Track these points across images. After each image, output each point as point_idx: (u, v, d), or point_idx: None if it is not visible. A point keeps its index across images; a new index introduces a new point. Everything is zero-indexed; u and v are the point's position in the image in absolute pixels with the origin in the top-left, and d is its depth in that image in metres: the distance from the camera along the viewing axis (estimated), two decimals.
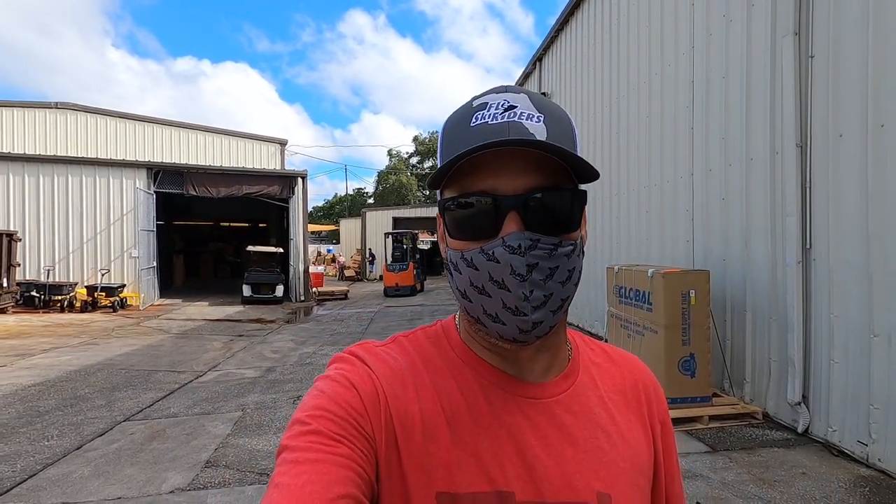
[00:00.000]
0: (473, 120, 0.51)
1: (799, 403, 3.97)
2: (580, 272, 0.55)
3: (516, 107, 0.51)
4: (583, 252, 0.56)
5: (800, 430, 3.97)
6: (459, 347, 0.60)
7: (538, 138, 0.49)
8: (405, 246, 18.16)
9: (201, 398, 5.63)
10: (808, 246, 3.98)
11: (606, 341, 5.97)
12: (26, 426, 4.70)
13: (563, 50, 10.27)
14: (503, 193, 0.50)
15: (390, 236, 19.18)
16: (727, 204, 4.99)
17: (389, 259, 17.89)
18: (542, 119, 0.51)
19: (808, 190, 3.97)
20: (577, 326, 9.14)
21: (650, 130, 6.58)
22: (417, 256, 18.62)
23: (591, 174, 0.53)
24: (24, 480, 3.61)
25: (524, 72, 12.88)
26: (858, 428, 3.54)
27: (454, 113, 0.55)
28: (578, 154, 0.51)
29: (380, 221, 25.57)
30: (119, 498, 3.37)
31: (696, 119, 5.52)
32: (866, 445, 3.47)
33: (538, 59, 11.69)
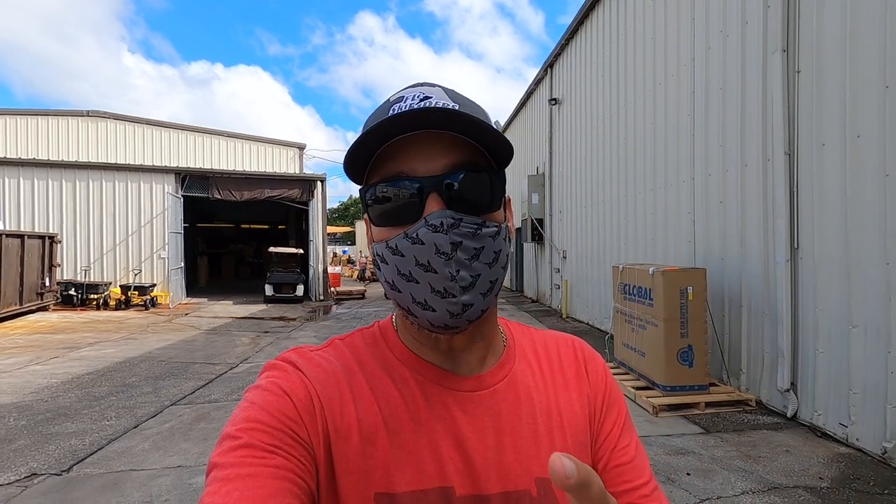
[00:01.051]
0: (390, 112, 0.52)
1: (788, 390, 4.32)
2: (507, 256, 0.55)
3: (431, 97, 0.52)
4: (509, 238, 0.57)
5: (789, 414, 4.32)
6: (396, 346, 0.60)
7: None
8: None
9: (237, 387, 6.14)
10: (795, 245, 4.33)
11: (612, 336, 6.35)
12: (87, 408, 5.25)
13: (573, 57, 10.64)
14: (423, 175, 0.51)
15: None
16: (725, 206, 5.34)
17: None
18: (456, 107, 0.52)
19: (795, 194, 4.32)
20: (588, 324, 9.50)
21: (655, 136, 6.94)
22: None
23: (507, 154, 0.54)
24: (95, 452, 4.14)
25: (535, 77, 13.26)
26: (840, 411, 3.88)
27: (374, 110, 0.56)
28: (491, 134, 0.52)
29: None
30: (179, 466, 3.87)
31: (696, 127, 5.87)
32: (846, 427, 3.81)
33: (549, 66, 12.07)
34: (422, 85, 0.55)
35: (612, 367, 5.62)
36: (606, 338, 7.16)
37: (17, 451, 4.12)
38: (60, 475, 3.71)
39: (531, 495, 0.55)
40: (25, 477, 3.67)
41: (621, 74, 8.10)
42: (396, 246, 0.51)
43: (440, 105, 0.51)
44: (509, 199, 0.59)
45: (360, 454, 0.52)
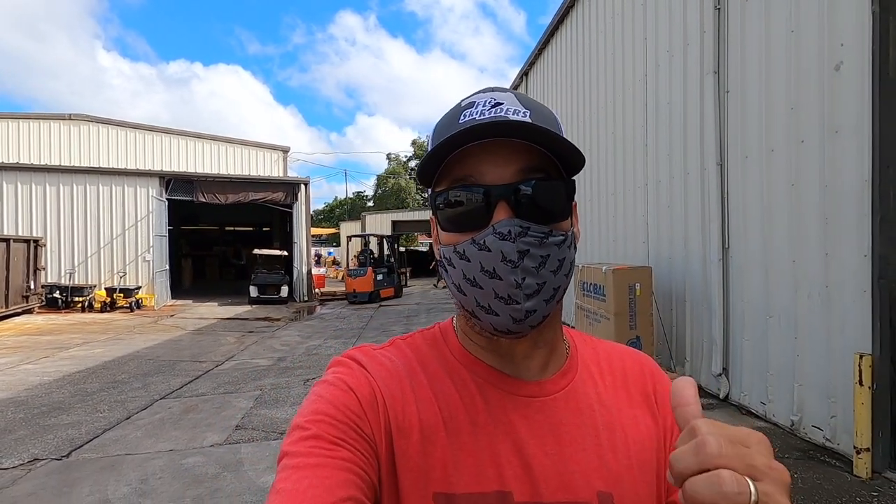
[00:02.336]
0: (462, 118, 0.53)
1: (720, 375, 4.85)
2: (572, 264, 0.55)
3: (502, 104, 0.53)
4: (575, 246, 0.57)
5: (721, 396, 4.85)
6: (457, 349, 0.60)
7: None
8: (371, 250, 16.54)
9: (223, 381, 6.50)
10: (726, 246, 4.86)
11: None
12: (80, 403, 5.57)
13: (546, 67, 11.17)
14: (492, 183, 0.52)
15: (360, 239, 17.66)
16: (672, 211, 5.88)
17: (355, 263, 16.51)
18: (527, 114, 0.52)
19: (726, 200, 4.85)
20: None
21: (615, 145, 7.47)
22: (391, 260, 17.19)
23: (578, 162, 0.54)
24: (91, 440, 4.48)
25: (513, 84, 13.77)
26: (760, 391, 4.41)
27: (445, 114, 0.57)
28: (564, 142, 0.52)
29: (380, 224, 26.44)
30: (171, 450, 4.24)
31: (648, 137, 6.41)
32: (765, 405, 4.34)
33: (525, 73, 12.60)
34: (493, 90, 0.56)
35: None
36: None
37: (18, 440, 4.45)
38: (60, 459, 4.06)
39: None
40: (28, 462, 4.01)
41: (586, 86, 8.63)
42: (464, 251, 0.52)
43: (511, 111, 0.52)
44: (575, 205, 0.59)
45: (420, 452, 0.52)
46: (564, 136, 0.53)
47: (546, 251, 0.51)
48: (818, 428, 3.79)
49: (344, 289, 16.84)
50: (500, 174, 0.52)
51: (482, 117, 0.51)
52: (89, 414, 5.20)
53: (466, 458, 0.53)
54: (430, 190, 0.58)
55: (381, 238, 17.61)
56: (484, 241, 0.51)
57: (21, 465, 3.96)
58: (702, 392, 5.16)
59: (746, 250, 4.60)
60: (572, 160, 0.54)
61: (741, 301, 4.69)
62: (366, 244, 16.88)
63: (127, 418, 5.09)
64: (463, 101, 0.56)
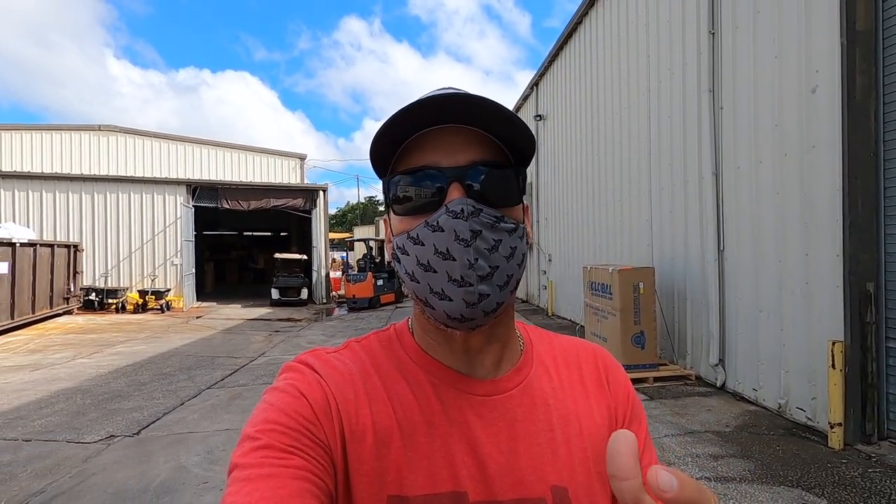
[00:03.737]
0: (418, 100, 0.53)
1: (717, 365, 5.33)
2: (524, 255, 0.56)
3: (459, 92, 0.54)
4: (527, 241, 0.57)
5: (718, 385, 5.32)
6: (412, 349, 0.60)
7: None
8: (373, 255, 16.08)
9: (260, 374, 7.09)
10: (721, 248, 5.34)
11: (583, 328, 7.33)
12: (136, 392, 6.19)
13: (555, 79, 11.70)
14: (446, 166, 0.53)
15: (363, 244, 17.11)
16: (673, 216, 6.37)
17: (355, 268, 16.02)
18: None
19: (721, 206, 5.34)
20: (570, 321, 10.49)
21: (622, 153, 7.97)
22: (389, 265, 15.74)
23: (529, 150, 0.56)
24: (154, 421, 5.08)
25: (523, 94, 14.33)
26: (752, 379, 4.88)
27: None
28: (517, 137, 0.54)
29: None
30: (227, 429, 4.82)
31: (652, 147, 6.91)
32: (756, 391, 4.81)
33: (535, 84, 13.13)
34: (450, 88, 0.56)
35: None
36: (577, 328, 8.15)
37: (93, 421, 5.07)
38: (133, 436, 4.66)
39: (546, 503, 0.54)
40: (106, 437, 4.62)
41: (595, 98, 9.15)
42: (417, 235, 0.53)
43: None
44: (527, 207, 0.59)
45: (374, 456, 0.52)
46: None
47: (498, 235, 0.52)
48: (801, 409, 4.26)
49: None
50: (454, 160, 0.53)
51: (436, 95, 0.52)
52: (147, 400, 5.81)
53: (421, 459, 0.53)
54: (384, 179, 0.58)
55: (380, 242, 17.01)
56: (437, 222, 0.52)
57: (101, 440, 4.56)
58: (701, 381, 5.64)
59: (739, 252, 5.08)
60: (524, 149, 0.56)
61: (735, 298, 5.17)
62: (367, 248, 16.35)
63: (181, 404, 5.69)
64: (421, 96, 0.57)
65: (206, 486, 3.60)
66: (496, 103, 0.51)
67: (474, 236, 0.51)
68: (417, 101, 0.51)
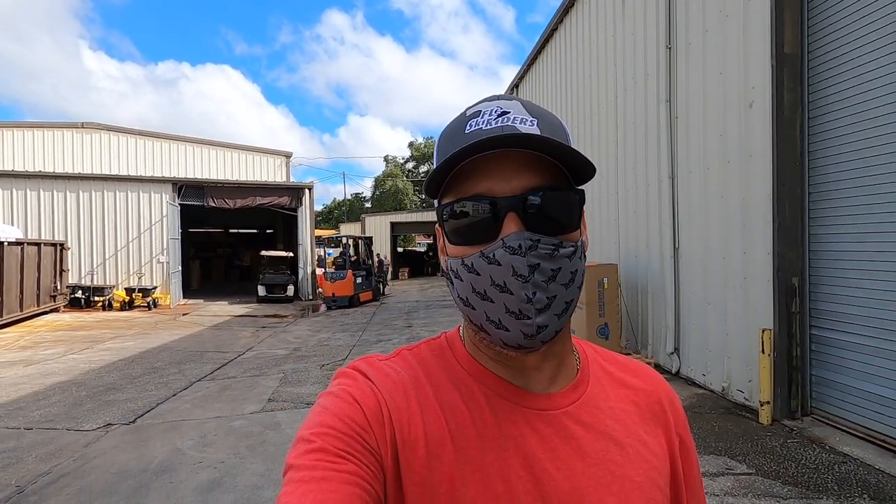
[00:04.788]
0: (468, 128, 0.52)
1: (672, 353, 5.81)
2: (583, 275, 0.55)
3: (509, 112, 0.52)
4: (584, 255, 0.56)
5: (674, 371, 5.81)
6: (464, 359, 0.59)
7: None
8: (349, 252, 15.76)
9: (249, 367, 7.42)
10: (677, 246, 5.82)
11: None
12: (129, 384, 6.48)
13: (534, 82, 12.13)
14: (500, 195, 0.51)
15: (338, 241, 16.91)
16: (637, 216, 6.84)
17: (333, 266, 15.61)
18: (535, 123, 0.52)
19: (676, 208, 5.81)
20: None
21: (592, 155, 8.42)
22: (369, 262, 16.88)
23: (587, 171, 0.54)
24: (149, 411, 5.40)
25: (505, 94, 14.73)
26: (702, 365, 5.37)
27: (449, 123, 0.56)
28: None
29: (379, 226, 27.33)
30: (218, 417, 5.16)
31: (619, 150, 7.37)
32: (705, 376, 5.30)
33: (515, 87, 13.54)
34: (499, 99, 0.55)
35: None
36: None
37: (90, 411, 5.37)
38: (129, 424, 4.98)
39: None
40: (103, 426, 4.93)
41: (569, 102, 9.59)
42: (472, 265, 0.52)
43: (518, 120, 0.51)
44: (584, 213, 0.58)
45: (425, 467, 0.52)
46: (572, 144, 0.54)
47: (557, 264, 0.51)
48: (741, 391, 4.75)
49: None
50: (508, 186, 0.51)
51: (489, 127, 0.51)
52: (140, 392, 6.11)
53: (474, 472, 0.52)
54: (436, 202, 0.57)
55: (357, 240, 17.05)
56: (493, 255, 0.50)
57: (98, 428, 4.88)
58: (660, 369, 6.13)
59: (691, 250, 5.56)
60: (582, 169, 0.54)
61: (689, 292, 5.65)
62: (343, 246, 16.14)
63: (173, 395, 6.00)
64: (468, 109, 0.56)
65: (200, 465, 3.96)
66: (552, 140, 0.50)
67: (532, 270, 0.50)
68: (470, 145, 0.49)
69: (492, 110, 0.53)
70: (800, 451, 3.69)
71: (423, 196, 39.21)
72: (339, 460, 0.48)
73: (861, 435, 3.79)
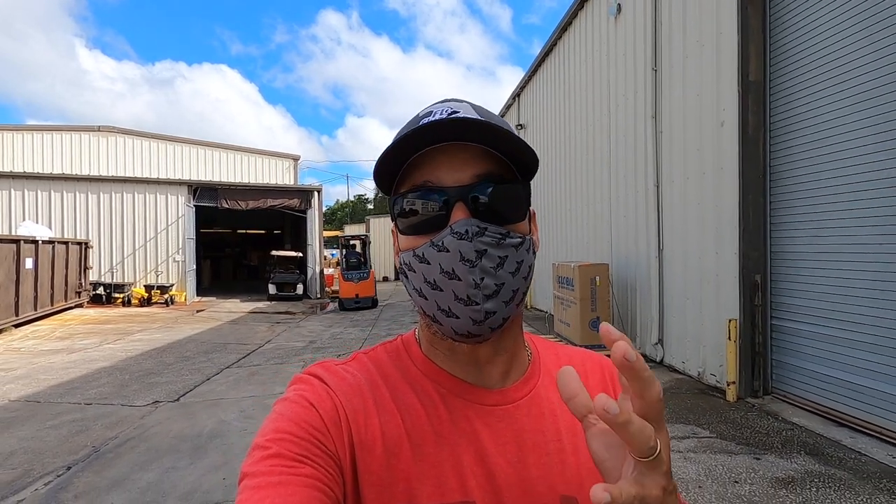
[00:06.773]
0: (420, 124, 0.53)
1: (657, 344, 6.47)
2: (531, 267, 0.56)
3: (458, 112, 0.55)
4: (534, 251, 0.58)
5: (658, 360, 6.46)
6: (420, 360, 0.61)
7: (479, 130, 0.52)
8: (359, 251, 15.81)
9: (271, 357, 8.08)
10: (661, 247, 6.48)
11: (552, 316, 8.43)
12: (166, 370, 7.15)
13: (535, 92, 12.81)
14: (449, 185, 0.53)
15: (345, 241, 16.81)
16: (626, 219, 7.50)
17: (344, 265, 15.25)
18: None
19: (660, 213, 6.48)
20: (546, 312, 11.63)
21: (588, 163, 9.09)
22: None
23: (533, 164, 0.56)
24: (189, 391, 6.07)
25: (506, 104, 15.41)
26: (682, 354, 6.03)
27: (405, 124, 0.58)
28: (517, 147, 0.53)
29: (384, 227, 27.99)
30: (252, 396, 5.83)
31: (611, 159, 8.03)
32: (684, 363, 5.96)
33: (517, 95, 14.23)
34: (450, 101, 0.58)
35: (550, 338, 7.73)
36: (546, 316, 9.27)
37: (136, 391, 6.04)
38: (174, 402, 5.65)
39: None
40: (152, 402, 5.60)
41: (567, 113, 10.27)
42: (423, 254, 0.53)
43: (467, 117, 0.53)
44: (534, 213, 0.60)
45: (383, 467, 0.53)
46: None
47: (504, 252, 0.53)
48: (713, 375, 5.40)
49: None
50: (457, 177, 0.53)
51: (439, 121, 0.53)
52: (177, 376, 6.79)
53: (430, 469, 0.54)
54: (389, 196, 0.59)
55: (363, 239, 17.07)
56: (442, 242, 0.52)
57: (149, 404, 5.55)
58: (646, 358, 6.77)
59: (673, 250, 6.22)
60: (528, 163, 0.56)
61: (671, 288, 6.31)
62: (349, 246, 15.99)
63: (208, 379, 6.67)
64: (421, 111, 0.58)
65: (245, 431, 4.63)
66: (498, 127, 0.52)
67: (479, 256, 0.52)
68: (419, 127, 0.52)
69: (443, 110, 0.56)
70: (756, 421, 4.35)
71: None
72: (296, 464, 0.48)
73: (810, 409, 4.44)
